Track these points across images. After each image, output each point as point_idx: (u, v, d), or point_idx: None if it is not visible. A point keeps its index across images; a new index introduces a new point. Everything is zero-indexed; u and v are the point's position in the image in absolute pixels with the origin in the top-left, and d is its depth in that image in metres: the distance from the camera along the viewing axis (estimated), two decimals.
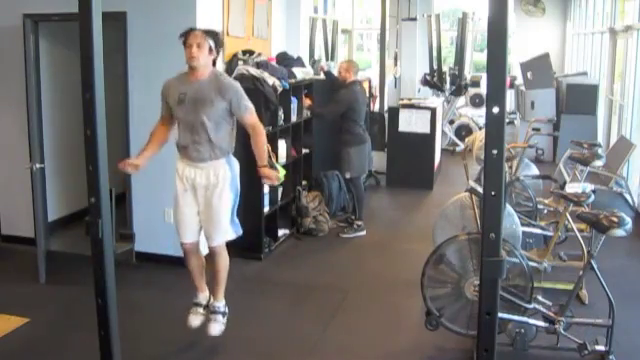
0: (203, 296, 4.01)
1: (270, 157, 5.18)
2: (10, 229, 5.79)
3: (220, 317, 3.91)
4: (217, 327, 3.88)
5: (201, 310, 3.97)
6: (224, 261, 3.87)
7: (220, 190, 3.73)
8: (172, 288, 4.89)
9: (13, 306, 4.43)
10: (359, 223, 6.37)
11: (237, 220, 3.90)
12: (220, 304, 3.94)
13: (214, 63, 3.76)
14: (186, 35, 3.67)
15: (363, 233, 6.34)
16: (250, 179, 4.38)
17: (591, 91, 9.39)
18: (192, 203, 3.79)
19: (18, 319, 4.24)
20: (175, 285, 4.94)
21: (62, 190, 5.92)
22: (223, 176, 3.73)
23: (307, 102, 6.37)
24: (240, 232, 3.92)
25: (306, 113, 6.45)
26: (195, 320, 3.94)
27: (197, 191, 3.76)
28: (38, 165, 4.88)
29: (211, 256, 3.89)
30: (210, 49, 3.65)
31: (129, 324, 3.57)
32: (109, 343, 2.16)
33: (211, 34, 3.70)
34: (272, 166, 4.68)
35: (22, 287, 4.86)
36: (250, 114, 3.78)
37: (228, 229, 3.82)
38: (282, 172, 4.27)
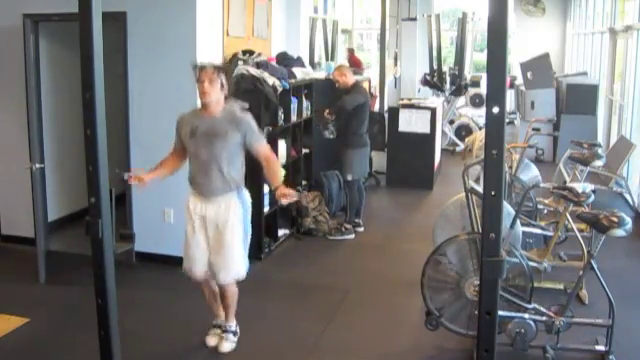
0: (221, 320, 4.08)
1: None
2: (10, 229, 5.79)
3: (231, 336, 3.99)
4: (227, 345, 3.96)
5: (218, 331, 4.05)
6: (232, 294, 3.91)
7: (231, 226, 3.72)
8: (172, 288, 4.89)
9: (13, 306, 4.43)
10: (347, 226, 6.33)
11: (246, 258, 3.87)
12: (231, 324, 4.02)
13: (226, 98, 3.77)
14: (199, 71, 3.69)
15: (352, 236, 6.29)
16: (250, 179, 4.37)
17: (591, 91, 9.39)
18: (202, 242, 3.79)
19: (18, 319, 4.24)
20: (175, 285, 4.94)
21: (62, 190, 5.91)
22: (234, 211, 3.73)
23: (328, 115, 6.21)
24: (246, 269, 3.87)
25: (327, 133, 6.34)
26: (212, 341, 4.01)
27: (207, 228, 3.76)
28: (38, 165, 4.89)
29: (220, 290, 3.92)
30: (222, 85, 3.69)
31: (129, 324, 3.58)
32: (109, 343, 2.16)
33: (222, 70, 3.76)
34: None
35: (22, 287, 4.86)
36: (263, 145, 3.82)
37: (240, 267, 3.79)
38: (282, 172, 4.26)
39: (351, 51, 12.00)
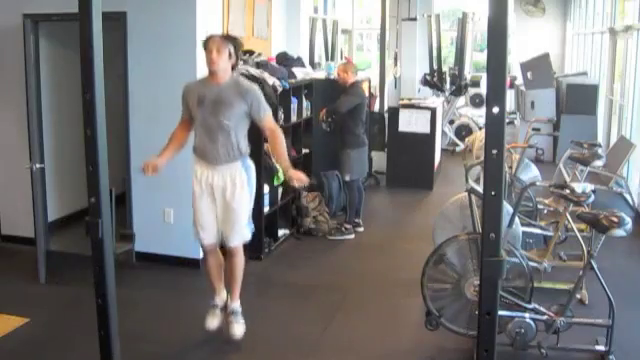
0: (220, 298, 4.09)
1: (270, 157, 5.21)
2: (10, 229, 5.78)
3: (240, 318, 4.01)
4: (240, 328, 3.98)
5: (218, 312, 4.06)
6: (241, 261, 3.97)
7: (238, 192, 3.80)
8: (172, 288, 4.89)
9: (13, 306, 4.43)
10: (347, 226, 6.34)
11: (251, 220, 3.99)
12: (237, 304, 4.04)
13: (233, 68, 3.82)
14: (207, 40, 3.74)
15: (352, 236, 6.30)
16: None
17: (591, 91, 9.39)
18: (210, 205, 3.86)
19: (18, 319, 4.24)
20: (175, 285, 4.94)
21: (62, 190, 5.91)
22: (240, 178, 3.81)
23: (322, 114, 6.26)
24: (252, 230, 4.00)
25: (324, 125, 6.35)
26: (213, 322, 4.02)
27: (215, 193, 3.83)
28: (38, 165, 4.89)
29: (228, 256, 3.97)
30: (230, 54, 3.73)
31: (129, 324, 3.58)
32: (109, 343, 2.16)
33: (231, 39, 3.80)
34: (272, 166, 4.72)
35: (22, 287, 4.86)
36: (269, 117, 3.89)
37: (245, 230, 3.91)
38: (282, 172, 4.27)
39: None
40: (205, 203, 3.85)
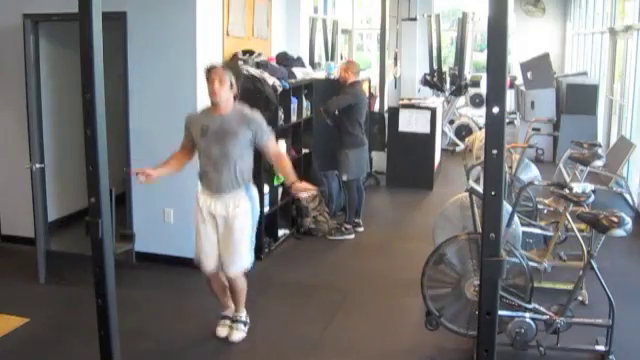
0: (229, 310, 4.17)
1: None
2: (10, 229, 5.79)
3: (241, 326, 4.09)
4: (238, 335, 4.06)
5: (228, 322, 4.14)
6: (241, 285, 4.01)
7: (240, 221, 3.83)
8: (172, 288, 4.89)
9: (13, 306, 4.43)
10: (347, 226, 6.34)
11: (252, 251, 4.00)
12: (242, 314, 4.11)
13: (235, 98, 3.85)
14: (208, 71, 3.76)
15: (352, 236, 6.30)
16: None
17: (591, 91, 9.39)
18: (212, 235, 3.89)
19: (18, 319, 4.24)
20: (175, 285, 4.94)
21: (62, 190, 5.91)
22: (243, 207, 3.84)
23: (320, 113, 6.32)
24: (252, 261, 3.99)
25: (329, 121, 6.38)
26: (222, 331, 4.10)
27: (217, 221, 3.86)
28: (38, 165, 4.89)
29: (229, 281, 4.00)
30: (231, 85, 3.76)
31: (129, 324, 3.58)
32: (109, 343, 2.16)
33: (231, 70, 3.84)
34: (272, 166, 4.71)
35: (22, 287, 4.86)
36: (273, 143, 3.94)
37: (245, 259, 3.92)
38: (281, 177, 4.28)
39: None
40: (206, 232, 3.88)
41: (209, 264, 3.92)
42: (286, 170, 3.94)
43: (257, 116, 3.87)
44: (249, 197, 3.88)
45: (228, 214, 3.81)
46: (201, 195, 3.91)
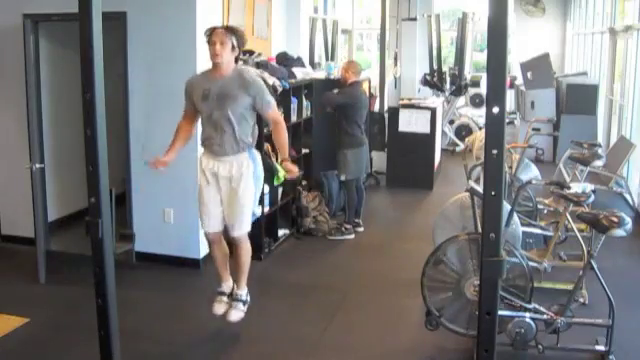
0: (226, 285, 4.14)
1: (270, 157, 5.22)
2: (10, 229, 5.78)
3: (241, 305, 4.06)
4: (236, 314, 4.03)
5: (225, 299, 4.10)
6: (246, 250, 4.01)
7: (244, 183, 3.85)
8: (172, 288, 4.89)
9: (13, 306, 4.43)
10: (347, 226, 6.34)
11: (257, 207, 4.15)
12: (242, 292, 4.08)
13: (236, 60, 3.86)
14: (210, 33, 3.76)
15: (352, 236, 6.30)
16: None
17: (591, 91, 9.39)
18: (215, 195, 3.90)
19: (18, 319, 4.24)
20: (175, 285, 4.94)
21: (62, 190, 5.91)
22: (246, 169, 3.86)
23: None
24: (258, 214, 4.12)
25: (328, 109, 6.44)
26: (219, 308, 4.07)
27: (220, 183, 3.87)
28: (38, 165, 4.88)
29: (234, 247, 4.01)
30: (233, 46, 3.76)
31: (129, 324, 3.57)
32: (109, 343, 2.16)
33: (234, 32, 3.81)
34: (272, 166, 4.74)
35: (22, 287, 4.86)
36: (272, 109, 3.94)
37: (249, 220, 3.96)
38: (282, 172, 4.31)
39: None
40: (210, 193, 3.90)
41: (213, 225, 3.94)
42: (280, 142, 3.98)
43: (257, 80, 3.88)
44: (252, 159, 3.89)
45: (232, 175, 3.83)
46: (204, 158, 3.92)
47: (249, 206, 3.91)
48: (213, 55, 3.73)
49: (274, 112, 3.95)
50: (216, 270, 4.15)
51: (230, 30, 3.80)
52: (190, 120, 3.99)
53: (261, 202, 5.46)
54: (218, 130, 3.79)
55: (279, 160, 4.06)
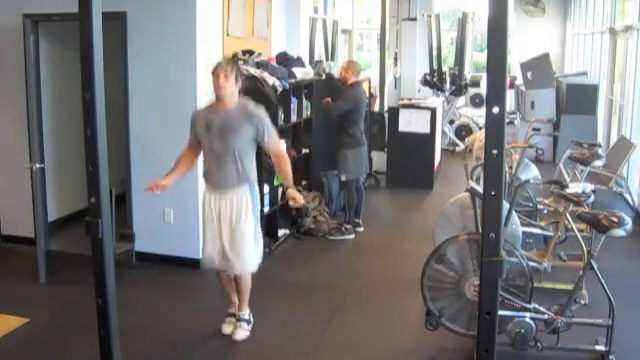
0: (235, 308, 4.18)
1: (270, 157, 5.22)
2: (10, 229, 5.78)
3: (245, 325, 4.11)
4: (241, 333, 4.08)
5: (234, 320, 4.15)
6: (246, 283, 4.06)
7: (243, 219, 3.86)
8: (172, 288, 4.89)
9: (13, 306, 4.43)
10: (347, 226, 6.34)
11: (260, 249, 4.06)
12: (244, 313, 4.13)
13: (240, 93, 3.89)
14: (215, 67, 3.81)
15: (352, 236, 6.30)
16: None
17: (591, 91, 9.39)
18: (217, 233, 3.91)
19: (18, 319, 4.24)
20: (175, 285, 4.95)
21: (62, 190, 5.92)
22: (246, 202, 3.86)
23: (327, 99, 6.24)
24: (260, 262, 4.06)
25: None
26: (227, 329, 4.12)
27: (222, 220, 3.88)
28: (38, 165, 4.88)
29: (235, 278, 4.05)
30: (236, 79, 3.80)
31: (129, 324, 3.58)
32: (109, 343, 2.16)
33: (236, 66, 3.92)
34: (272, 166, 4.73)
35: (22, 287, 4.86)
36: (275, 141, 3.96)
37: (252, 259, 3.96)
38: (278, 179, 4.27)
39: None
40: (212, 229, 3.92)
41: (215, 261, 3.95)
42: (284, 172, 3.99)
43: (260, 113, 3.88)
44: (252, 196, 3.90)
45: (232, 213, 3.84)
46: (206, 192, 3.94)
47: (249, 242, 3.90)
48: (217, 88, 3.76)
49: (276, 145, 3.99)
50: (224, 293, 4.20)
51: (234, 63, 3.90)
52: (193, 151, 4.00)
53: (261, 202, 5.47)
54: (219, 162, 3.81)
55: (285, 186, 4.06)
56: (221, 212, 3.86)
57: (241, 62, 5.52)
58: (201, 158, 4.01)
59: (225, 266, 3.95)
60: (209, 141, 3.82)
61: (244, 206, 3.84)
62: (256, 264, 4.01)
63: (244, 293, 4.08)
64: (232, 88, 3.78)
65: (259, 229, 4.06)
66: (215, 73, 3.76)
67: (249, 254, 3.92)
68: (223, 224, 3.87)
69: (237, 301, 4.16)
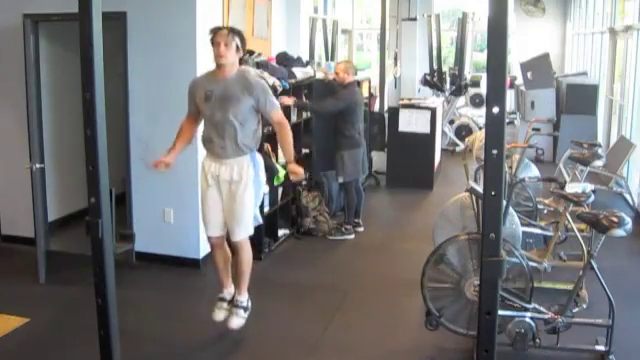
0: (228, 292, 4.11)
1: (270, 157, 5.22)
2: (10, 229, 5.78)
3: (242, 312, 4.02)
4: (237, 321, 3.99)
5: (225, 305, 4.07)
6: (247, 255, 3.98)
7: (243, 186, 3.83)
8: (172, 288, 4.89)
9: (13, 306, 4.43)
10: (347, 227, 6.33)
11: (258, 213, 4.08)
12: (243, 298, 4.05)
13: (241, 62, 3.84)
14: (214, 33, 3.74)
15: (352, 236, 6.29)
16: None
17: (591, 91, 9.39)
18: (217, 198, 3.89)
19: (18, 319, 4.24)
20: (175, 285, 4.95)
21: (62, 190, 5.91)
22: (247, 172, 3.83)
23: (288, 101, 5.74)
24: (260, 221, 4.11)
25: (304, 114, 6.38)
26: (219, 315, 4.04)
27: (221, 186, 3.86)
28: (38, 165, 4.88)
29: (234, 250, 4.00)
30: (237, 47, 3.75)
31: (129, 324, 3.58)
32: (109, 343, 2.16)
33: (237, 33, 3.80)
34: (272, 166, 4.74)
35: (22, 287, 4.86)
36: (276, 111, 3.91)
37: (250, 224, 3.95)
38: (282, 172, 4.30)
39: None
40: (211, 196, 3.89)
41: (213, 229, 3.93)
42: (285, 144, 3.96)
43: (260, 82, 3.85)
44: (253, 164, 3.86)
45: (232, 179, 3.81)
46: (206, 160, 3.91)
47: (249, 210, 3.89)
48: (217, 56, 3.70)
49: (278, 114, 3.91)
50: (217, 276, 4.13)
51: (234, 31, 3.79)
52: (193, 121, 3.97)
53: (261, 204, 5.47)
54: (220, 132, 3.77)
55: (284, 162, 4.05)
56: (221, 179, 3.82)
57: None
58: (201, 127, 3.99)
59: (223, 233, 3.94)
60: (210, 111, 3.77)
61: (245, 174, 3.81)
62: (252, 229, 4.00)
63: (244, 273, 3.98)
64: (233, 56, 3.72)
65: (261, 193, 4.03)
66: (215, 41, 3.69)
67: (248, 220, 3.90)
68: (223, 190, 3.84)
69: (231, 285, 4.09)
